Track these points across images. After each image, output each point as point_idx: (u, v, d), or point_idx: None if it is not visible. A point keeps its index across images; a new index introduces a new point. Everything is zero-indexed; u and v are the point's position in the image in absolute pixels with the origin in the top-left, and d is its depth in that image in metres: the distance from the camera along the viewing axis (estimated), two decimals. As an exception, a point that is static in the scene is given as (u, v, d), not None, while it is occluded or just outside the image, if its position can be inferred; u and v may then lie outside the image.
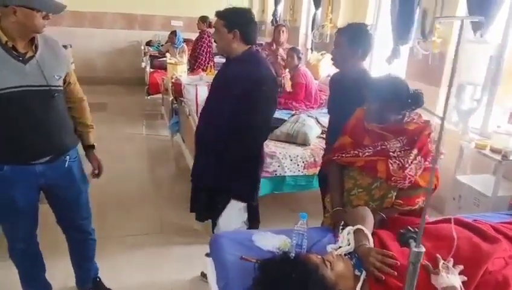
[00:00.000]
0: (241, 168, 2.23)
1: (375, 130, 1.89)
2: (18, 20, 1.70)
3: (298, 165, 3.24)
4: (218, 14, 2.23)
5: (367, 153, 1.90)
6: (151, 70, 6.90)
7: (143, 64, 7.41)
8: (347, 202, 1.97)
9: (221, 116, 2.22)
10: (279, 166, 3.20)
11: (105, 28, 8.26)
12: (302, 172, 3.26)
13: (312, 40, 6.24)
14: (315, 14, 6.11)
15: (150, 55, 7.34)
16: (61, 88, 1.94)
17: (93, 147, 2.22)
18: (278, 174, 3.21)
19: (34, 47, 1.82)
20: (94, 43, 8.24)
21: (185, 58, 6.28)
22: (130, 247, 2.97)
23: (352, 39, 2.30)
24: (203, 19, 6.42)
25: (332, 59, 2.45)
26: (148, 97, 6.80)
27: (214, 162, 2.27)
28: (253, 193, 2.37)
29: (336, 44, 2.37)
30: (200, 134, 2.43)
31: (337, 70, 2.52)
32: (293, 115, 3.83)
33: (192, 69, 6.11)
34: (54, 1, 1.80)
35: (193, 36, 6.93)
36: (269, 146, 3.30)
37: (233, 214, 2.32)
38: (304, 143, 3.42)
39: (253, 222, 2.50)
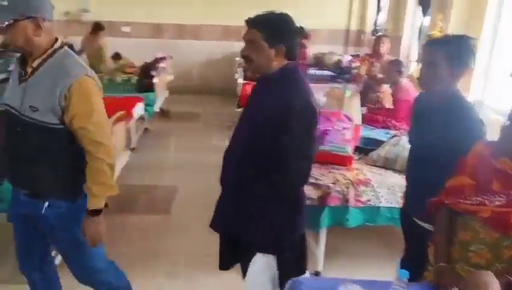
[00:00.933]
0: (266, 215, 1.83)
1: (509, 172, 1.46)
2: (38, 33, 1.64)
3: (396, 195, 2.82)
4: (255, 23, 1.75)
5: (497, 203, 1.46)
6: (244, 82, 6.85)
7: (236, 76, 7.41)
8: (461, 258, 1.55)
9: (245, 152, 1.82)
10: (373, 195, 2.82)
11: (203, 40, 8.47)
12: (400, 203, 2.83)
13: (418, 52, 5.68)
14: (422, 22, 5.57)
15: (244, 67, 7.31)
16: (39, 122, 1.66)
17: (92, 213, 1.77)
18: (372, 205, 2.83)
19: (30, 69, 1.69)
20: (192, 54, 8.48)
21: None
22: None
23: (451, 55, 1.81)
24: (299, 30, 6.21)
25: (420, 79, 1.94)
26: (238, 109, 6.75)
27: (239, 207, 1.88)
28: (281, 243, 1.89)
29: (428, 60, 1.88)
30: (223, 175, 1.95)
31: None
32: (393, 137, 3.41)
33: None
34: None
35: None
36: (363, 171, 2.96)
37: (259, 268, 1.92)
38: (404, 170, 2.98)
39: (289, 276, 1.82)
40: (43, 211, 1.77)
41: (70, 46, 5.86)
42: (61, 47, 1.74)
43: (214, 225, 1.99)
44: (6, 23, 1.58)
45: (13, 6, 1.58)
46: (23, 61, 1.72)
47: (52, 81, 1.66)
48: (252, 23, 1.75)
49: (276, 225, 1.85)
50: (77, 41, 6.85)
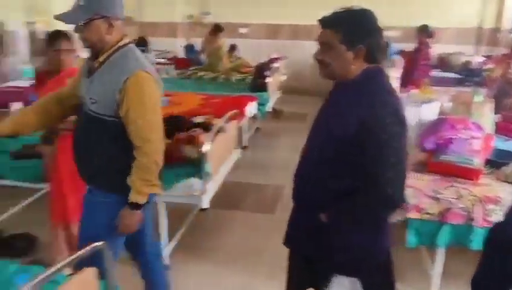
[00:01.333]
0: (348, 234, 1.62)
1: None
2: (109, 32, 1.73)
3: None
4: (329, 23, 1.53)
5: None
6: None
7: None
8: None
9: (321, 168, 1.61)
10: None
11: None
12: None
13: None
14: None
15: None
16: (95, 114, 1.75)
17: (132, 205, 1.78)
18: (503, 227, 2.45)
19: (97, 64, 1.78)
20: (305, 55, 8.42)
21: (398, 72, 5.74)
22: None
23: None
24: (423, 29, 5.78)
25: None
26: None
27: (315, 225, 1.65)
28: (365, 264, 1.67)
29: None
30: (296, 192, 1.76)
31: None
32: (531, 149, 2.94)
33: (404, 84, 5.54)
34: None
35: (409, 47, 6.31)
36: (493, 188, 2.59)
37: None
38: (545, 190, 2.55)
39: None
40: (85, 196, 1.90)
41: (191, 46, 6.23)
42: (126, 44, 1.80)
43: (287, 241, 1.85)
44: (83, 22, 1.68)
45: (89, 6, 1.68)
46: (92, 57, 1.81)
47: (111, 75, 1.73)
48: (325, 23, 1.54)
49: (359, 245, 1.62)
50: (198, 42, 7.27)
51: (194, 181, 2.75)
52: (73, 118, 2.04)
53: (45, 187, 2.85)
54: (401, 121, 1.50)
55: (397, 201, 1.52)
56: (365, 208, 1.55)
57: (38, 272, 1.68)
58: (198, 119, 3.53)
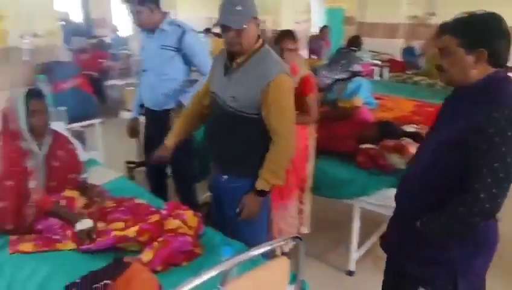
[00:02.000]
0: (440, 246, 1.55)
1: None
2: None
3: None
4: (447, 28, 1.49)
5: None
6: None
7: None
8: None
9: (431, 170, 1.54)
10: None
11: None
12: None
13: None
14: None
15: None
16: (233, 109, 1.90)
17: (257, 192, 1.96)
18: None
19: (235, 64, 1.90)
20: None
21: None
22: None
23: None
24: None
25: None
26: None
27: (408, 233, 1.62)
28: (453, 280, 1.55)
29: None
30: (398, 193, 1.73)
31: None
32: None
33: None
34: None
35: None
36: None
37: None
38: None
39: None
40: (221, 182, 2.05)
41: (410, 49, 5.87)
42: (262, 45, 1.91)
43: (384, 245, 1.83)
44: (245, 26, 1.79)
45: (246, 10, 1.79)
46: (229, 56, 1.93)
47: (254, 76, 1.86)
48: (445, 29, 1.51)
49: (449, 259, 1.55)
50: (419, 45, 6.84)
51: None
52: None
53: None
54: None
55: (493, 214, 1.44)
56: (457, 218, 1.46)
57: (241, 249, 1.87)
58: (409, 128, 3.32)
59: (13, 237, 1.96)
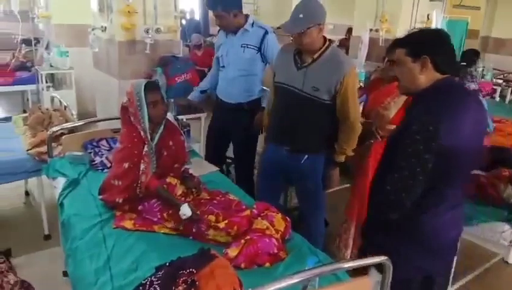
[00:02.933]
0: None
1: None
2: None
3: None
4: (398, 42, 1.67)
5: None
6: None
7: None
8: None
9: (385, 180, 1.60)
10: None
11: None
12: None
13: None
14: None
15: None
16: (317, 99, 2.29)
17: (337, 164, 2.49)
18: None
19: (310, 59, 2.30)
20: None
21: None
22: None
23: None
24: None
25: None
26: None
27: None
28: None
29: None
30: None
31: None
32: None
33: None
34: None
35: None
36: None
37: None
38: None
39: None
40: (302, 162, 2.42)
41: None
42: (329, 46, 2.32)
43: None
44: (302, 31, 2.19)
45: (307, 18, 2.19)
46: (299, 53, 2.35)
47: (331, 70, 2.27)
48: (396, 43, 1.67)
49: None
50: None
51: (505, 228, 2.35)
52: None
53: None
54: (436, 129, 1.42)
55: (394, 205, 1.53)
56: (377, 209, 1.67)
57: (326, 260, 1.83)
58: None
59: (118, 213, 2.16)
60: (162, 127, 2.30)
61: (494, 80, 5.98)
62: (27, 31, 5.84)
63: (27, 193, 3.79)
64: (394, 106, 2.47)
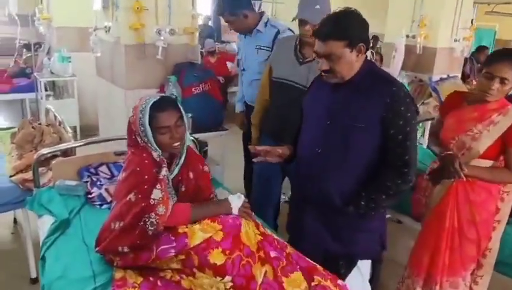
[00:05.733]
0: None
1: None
2: None
3: None
4: (326, 34, 1.58)
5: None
6: None
7: None
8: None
9: (341, 162, 1.69)
10: None
11: None
12: None
13: None
14: None
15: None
16: None
17: None
18: None
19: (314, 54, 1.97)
20: None
21: None
22: None
23: None
24: None
25: None
26: None
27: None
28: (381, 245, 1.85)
29: None
30: (307, 190, 1.82)
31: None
32: None
33: None
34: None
35: None
36: None
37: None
38: None
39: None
40: None
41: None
42: None
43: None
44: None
45: (323, 9, 2.12)
46: (300, 48, 2.29)
47: None
48: (325, 35, 1.58)
49: (374, 227, 1.79)
50: None
51: None
52: None
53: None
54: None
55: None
56: (397, 190, 1.66)
57: None
58: None
59: (118, 274, 1.57)
60: (183, 157, 1.74)
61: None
62: (29, 35, 5.37)
63: (15, 221, 3.22)
64: (488, 136, 1.88)
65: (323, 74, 1.65)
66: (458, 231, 1.98)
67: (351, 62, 1.60)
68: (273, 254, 1.57)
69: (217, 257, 1.48)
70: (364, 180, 1.68)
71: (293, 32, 2.82)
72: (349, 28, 1.57)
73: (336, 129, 1.66)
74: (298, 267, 1.57)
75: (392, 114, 1.59)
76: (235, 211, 1.62)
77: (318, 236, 1.78)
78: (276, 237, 1.72)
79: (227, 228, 1.55)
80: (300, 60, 2.28)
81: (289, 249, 1.66)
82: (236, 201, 1.65)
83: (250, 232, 1.59)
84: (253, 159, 1.82)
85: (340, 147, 1.66)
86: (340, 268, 1.78)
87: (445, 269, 2.00)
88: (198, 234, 1.52)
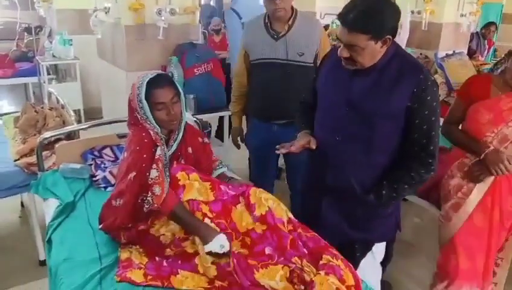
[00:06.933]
0: None
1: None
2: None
3: None
4: (351, 25, 1.43)
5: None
6: None
7: None
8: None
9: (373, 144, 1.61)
10: None
11: None
12: None
13: None
14: None
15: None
16: (304, 64, 2.25)
17: None
18: None
19: (287, 27, 2.24)
20: None
21: None
22: None
23: None
24: None
25: None
26: None
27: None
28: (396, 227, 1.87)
29: None
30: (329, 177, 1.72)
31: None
32: None
33: None
34: None
35: None
36: None
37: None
38: None
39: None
40: (296, 133, 1.86)
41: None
42: (297, 11, 2.29)
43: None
44: None
45: None
46: (270, 25, 2.28)
47: (309, 31, 2.28)
48: (350, 26, 1.44)
49: (391, 213, 1.76)
50: None
51: None
52: None
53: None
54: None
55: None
56: (419, 179, 1.61)
57: None
58: None
59: (123, 253, 1.59)
60: (181, 133, 1.74)
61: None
62: (30, 18, 5.30)
63: (23, 204, 3.25)
64: None
65: (343, 60, 1.53)
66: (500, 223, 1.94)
67: (373, 52, 1.48)
68: (259, 248, 1.52)
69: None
70: (386, 169, 1.62)
71: None
72: (378, 20, 1.41)
73: (356, 117, 1.57)
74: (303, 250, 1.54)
75: (418, 104, 1.50)
76: (207, 246, 1.46)
77: (336, 227, 1.72)
78: (290, 215, 1.65)
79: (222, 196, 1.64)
80: (275, 37, 2.26)
81: (300, 230, 1.62)
82: (216, 245, 1.46)
83: (245, 215, 1.60)
84: (277, 151, 1.68)
85: (362, 136, 1.58)
86: (356, 251, 1.74)
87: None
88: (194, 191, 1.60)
